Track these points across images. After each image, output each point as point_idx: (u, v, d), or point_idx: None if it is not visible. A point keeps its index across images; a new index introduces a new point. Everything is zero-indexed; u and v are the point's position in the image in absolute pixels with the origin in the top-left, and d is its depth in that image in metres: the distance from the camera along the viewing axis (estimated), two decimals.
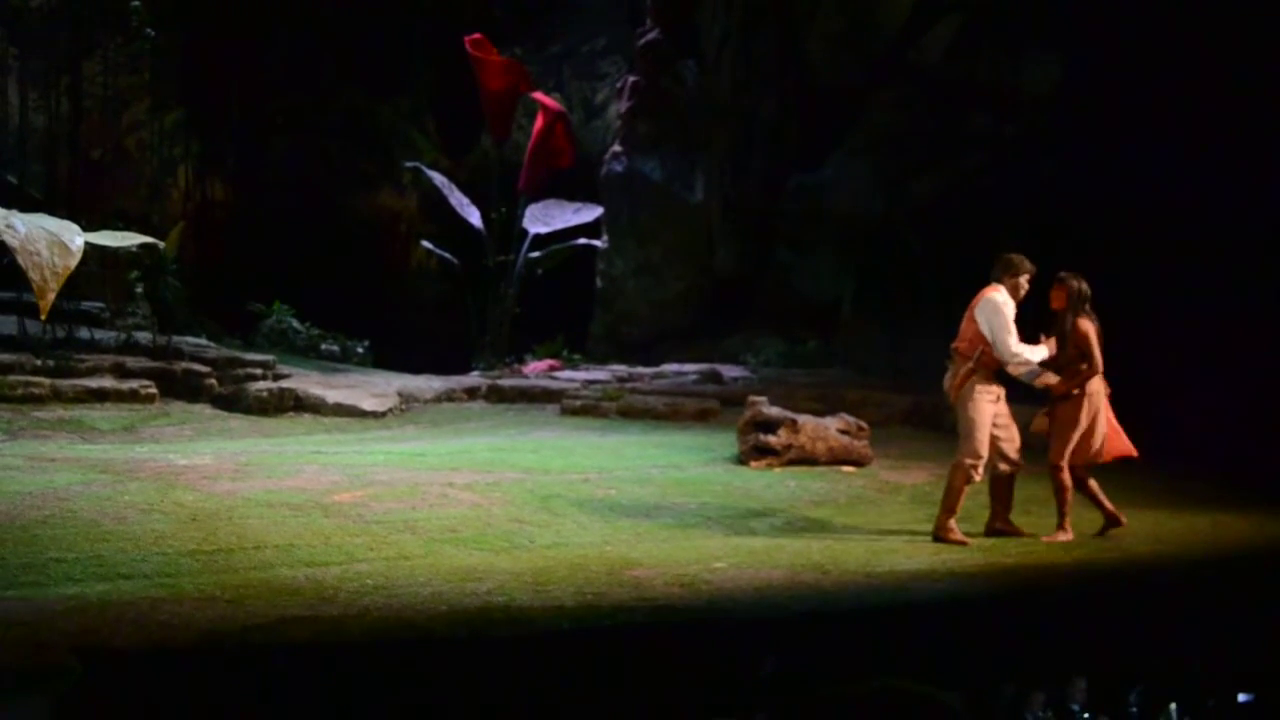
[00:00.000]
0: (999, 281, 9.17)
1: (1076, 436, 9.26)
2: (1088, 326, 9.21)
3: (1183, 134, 15.58)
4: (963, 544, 8.93)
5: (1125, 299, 9.64)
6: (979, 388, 9.03)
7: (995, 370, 9.10)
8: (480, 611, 6.41)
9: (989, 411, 9.05)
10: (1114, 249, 14.88)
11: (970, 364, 9.04)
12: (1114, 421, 9.44)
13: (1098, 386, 9.31)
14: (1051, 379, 9.24)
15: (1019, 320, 9.19)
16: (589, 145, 22.07)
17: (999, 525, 9.37)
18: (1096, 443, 9.34)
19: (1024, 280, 9.18)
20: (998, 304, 9.04)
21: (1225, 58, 15.54)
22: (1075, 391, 9.23)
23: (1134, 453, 9.52)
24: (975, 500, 9.49)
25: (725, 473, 11.16)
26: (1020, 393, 9.51)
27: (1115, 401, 9.46)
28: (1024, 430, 9.49)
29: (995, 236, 9.49)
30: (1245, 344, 14.18)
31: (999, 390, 9.13)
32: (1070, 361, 9.25)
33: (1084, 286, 9.31)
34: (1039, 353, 9.24)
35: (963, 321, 9.19)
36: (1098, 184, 16.20)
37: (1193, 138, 15.51)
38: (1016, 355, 9.04)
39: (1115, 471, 11.14)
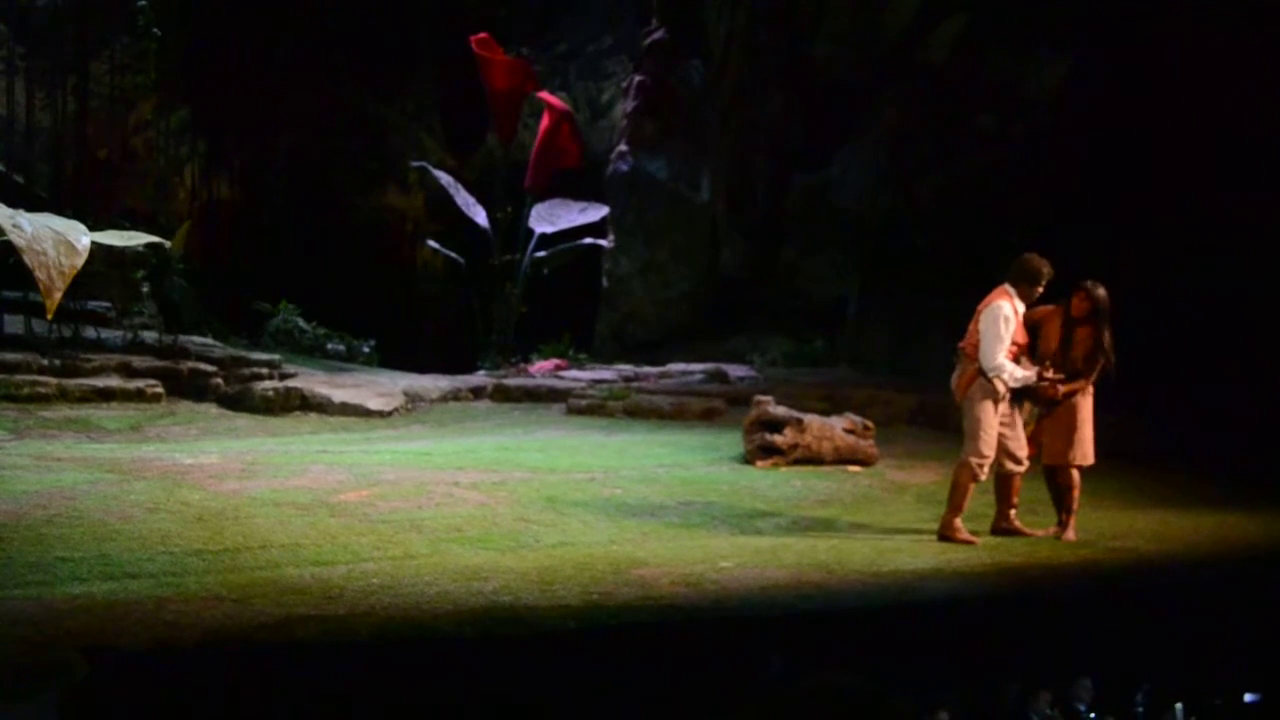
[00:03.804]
0: (1014, 285, 9.11)
1: (1086, 435, 9.27)
2: (1109, 341, 9.22)
3: (1187, 133, 15.57)
4: (969, 543, 8.92)
5: (1130, 298, 9.61)
6: (985, 388, 9.00)
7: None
8: (486, 611, 6.41)
9: (995, 410, 9.03)
10: (1118, 248, 14.87)
11: (978, 364, 9.02)
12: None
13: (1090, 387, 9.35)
14: (1031, 376, 9.17)
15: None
16: (595, 145, 22.05)
17: (1005, 525, 9.36)
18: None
19: (1039, 291, 9.14)
20: (998, 315, 8.97)
21: (1230, 57, 15.52)
22: (1076, 395, 9.23)
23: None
24: (983, 500, 9.49)
25: (731, 472, 11.16)
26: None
27: (1121, 401, 9.47)
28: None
29: (1000, 236, 9.45)
30: (1250, 342, 14.17)
31: (1005, 389, 9.10)
32: (1080, 365, 9.23)
33: (1106, 295, 9.28)
34: (1023, 372, 9.16)
35: (971, 321, 9.17)
36: (1102, 183, 16.18)
37: (1198, 137, 15.50)
38: (998, 367, 8.97)
39: (1119, 472, 11.16)
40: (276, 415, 13.57)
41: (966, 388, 9.06)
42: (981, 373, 8.98)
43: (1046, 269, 9.10)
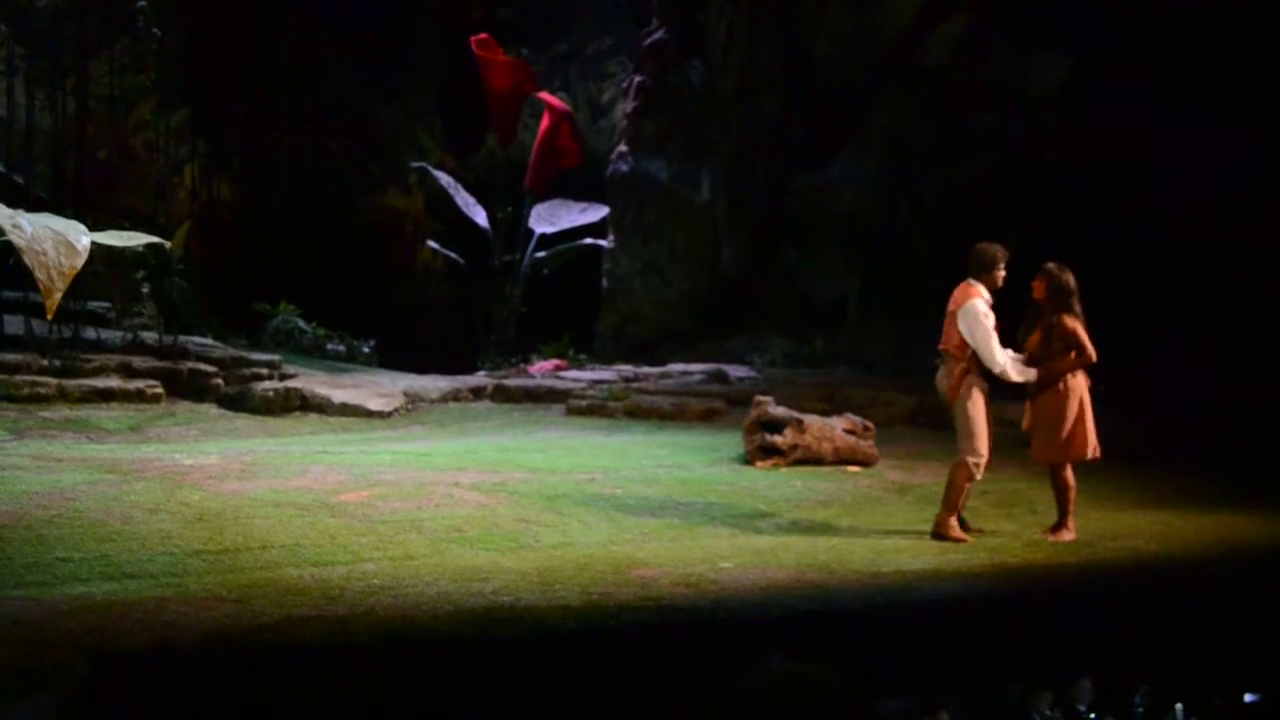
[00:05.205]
0: (976, 279, 9.13)
1: (1065, 433, 9.17)
2: (1073, 322, 9.13)
3: (1187, 133, 15.57)
4: (963, 541, 8.93)
5: (1130, 297, 9.61)
6: (975, 386, 9.04)
7: (986, 369, 9.10)
8: (486, 611, 6.41)
9: (986, 408, 9.08)
10: (1118, 248, 14.87)
11: (964, 364, 9.04)
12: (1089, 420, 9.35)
13: (1081, 382, 9.25)
14: (1031, 374, 9.17)
15: (997, 311, 9.16)
16: (595, 145, 22.05)
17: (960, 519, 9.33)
18: (1091, 440, 9.25)
19: (999, 274, 9.16)
20: (977, 313, 8.99)
21: (1230, 57, 15.52)
22: (1060, 386, 9.15)
23: (1098, 455, 9.41)
24: (982, 499, 9.49)
25: (731, 472, 11.16)
26: (1009, 390, 9.50)
27: (1121, 401, 9.42)
28: (1014, 428, 9.51)
29: (1000, 236, 9.44)
30: (1250, 342, 14.17)
31: (988, 384, 9.14)
32: (1054, 355, 9.17)
33: (1068, 279, 9.20)
34: (1023, 376, 9.17)
35: (945, 323, 9.18)
36: (1102, 183, 16.19)
37: (1197, 137, 15.50)
38: (1002, 364, 9.02)
39: (1119, 472, 11.12)
40: (276, 416, 13.57)
41: (956, 389, 9.09)
42: (967, 371, 9.01)
43: (1001, 252, 9.15)
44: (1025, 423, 9.41)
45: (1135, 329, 9.80)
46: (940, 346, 9.24)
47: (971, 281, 9.13)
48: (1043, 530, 9.35)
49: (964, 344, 9.05)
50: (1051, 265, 9.25)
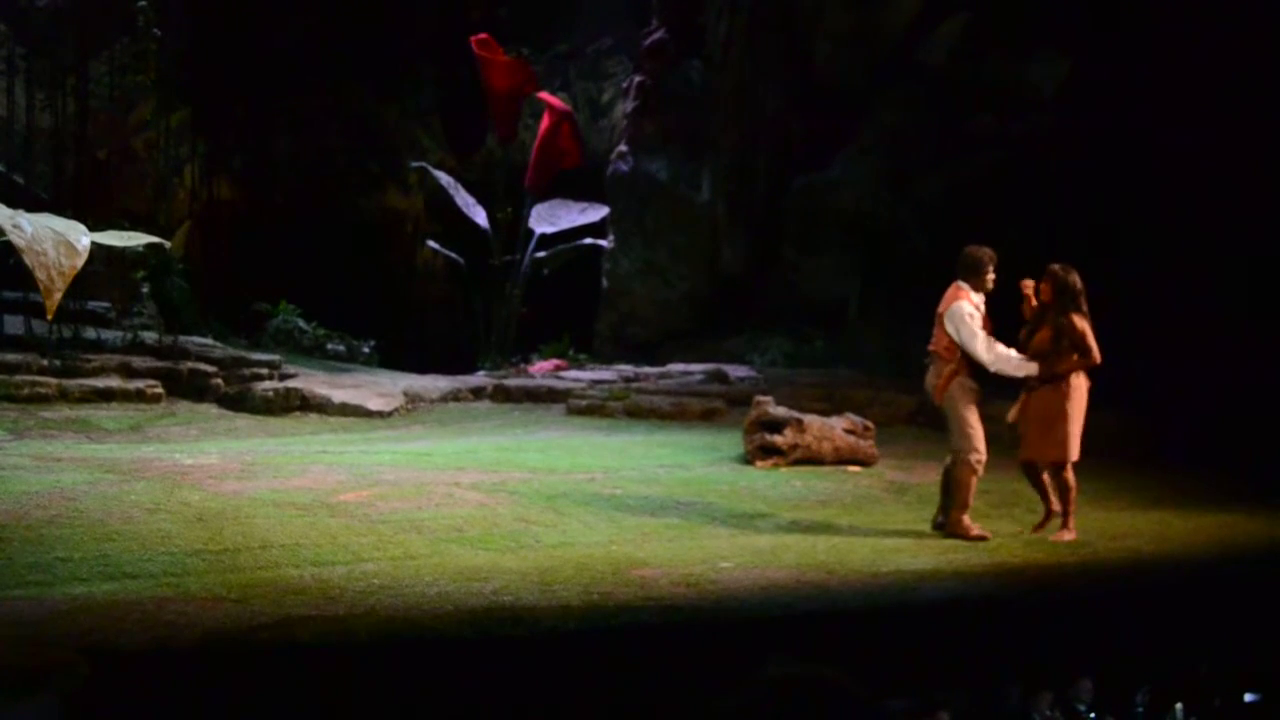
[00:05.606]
0: (964, 281, 9.15)
1: (1065, 432, 9.14)
2: (1083, 323, 9.12)
3: (1187, 133, 15.57)
4: (984, 539, 8.93)
5: (1130, 297, 9.60)
6: (963, 388, 9.05)
7: (976, 369, 9.10)
8: (486, 611, 6.41)
9: (977, 407, 9.09)
10: (1118, 248, 14.87)
11: (953, 366, 9.06)
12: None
13: (1084, 383, 9.23)
14: (1033, 368, 9.16)
15: (992, 312, 9.17)
16: (595, 145, 22.06)
17: (944, 519, 9.33)
18: (1077, 443, 9.24)
19: (989, 277, 9.17)
20: (963, 314, 9.02)
21: (1231, 57, 15.52)
22: (1062, 385, 9.12)
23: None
24: (982, 499, 9.48)
25: (731, 472, 11.16)
26: (1008, 391, 9.49)
27: (1120, 401, 9.40)
28: (1003, 424, 9.52)
29: (1001, 236, 9.46)
30: (1249, 341, 14.16)
31: (977, 386, 9.14)
32: (1062, 354, 9.15)
33: (1074, 279, 9.19)
34: (1010, 352, 9.19)
35: (935, 325, 9.19)
36: (1103, 183, 16.18)
37: (1197, 137, 15.49)
38: (994, 360, 9.02)
39: (1119, 472, 11.12)
40: (276, 416, 13.57)
41: (944, 390, 9.10)
42: (956, 373, 9.03)
43: (989, 255, 9.15)
44: (1012, 415, 9.39)
45: (1134, 328, 9.79)
46: (930, 347, 9.27)
47: (960, 284, 9.15)
48: (1037, 529, 9.34)
49: (953, 345, 9.07)
50: (1056, 266, 9.24)
